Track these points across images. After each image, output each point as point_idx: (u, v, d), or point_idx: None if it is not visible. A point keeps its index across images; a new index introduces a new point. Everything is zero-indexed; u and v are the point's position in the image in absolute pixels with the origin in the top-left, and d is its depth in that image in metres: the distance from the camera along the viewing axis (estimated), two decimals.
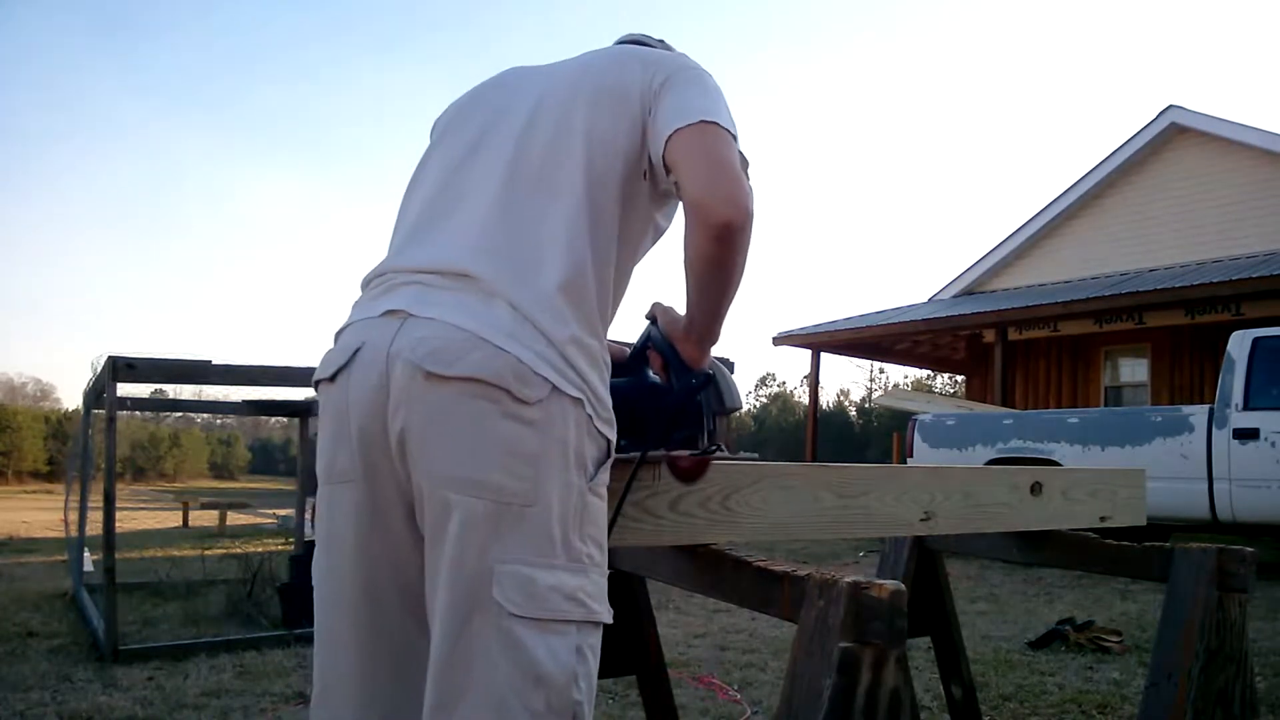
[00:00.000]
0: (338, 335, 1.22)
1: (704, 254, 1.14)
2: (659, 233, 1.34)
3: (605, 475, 1.16)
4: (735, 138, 1.21)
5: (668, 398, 1.27)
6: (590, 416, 1.12)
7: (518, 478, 1.07)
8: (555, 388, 1.09)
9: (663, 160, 1.19)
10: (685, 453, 1.29)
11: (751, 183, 1.23)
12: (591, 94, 1.24)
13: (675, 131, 1.17)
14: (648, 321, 1.36)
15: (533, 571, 1.07)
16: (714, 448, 1.30)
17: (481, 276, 1.12)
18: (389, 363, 1.10)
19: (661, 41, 1.41)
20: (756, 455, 1.41)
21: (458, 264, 1.14)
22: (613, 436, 1.17)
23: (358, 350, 1.14)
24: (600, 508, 1.15)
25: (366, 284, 1.25)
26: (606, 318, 1.21)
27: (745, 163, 1.24)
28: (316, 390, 1.22)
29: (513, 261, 1.14)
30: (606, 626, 1.15)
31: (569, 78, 1.28)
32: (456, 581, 1.07)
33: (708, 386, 1.29)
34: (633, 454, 1.22)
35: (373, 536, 1.16)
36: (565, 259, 1.14)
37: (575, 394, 1.10)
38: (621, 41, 1.42)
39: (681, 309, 1.28)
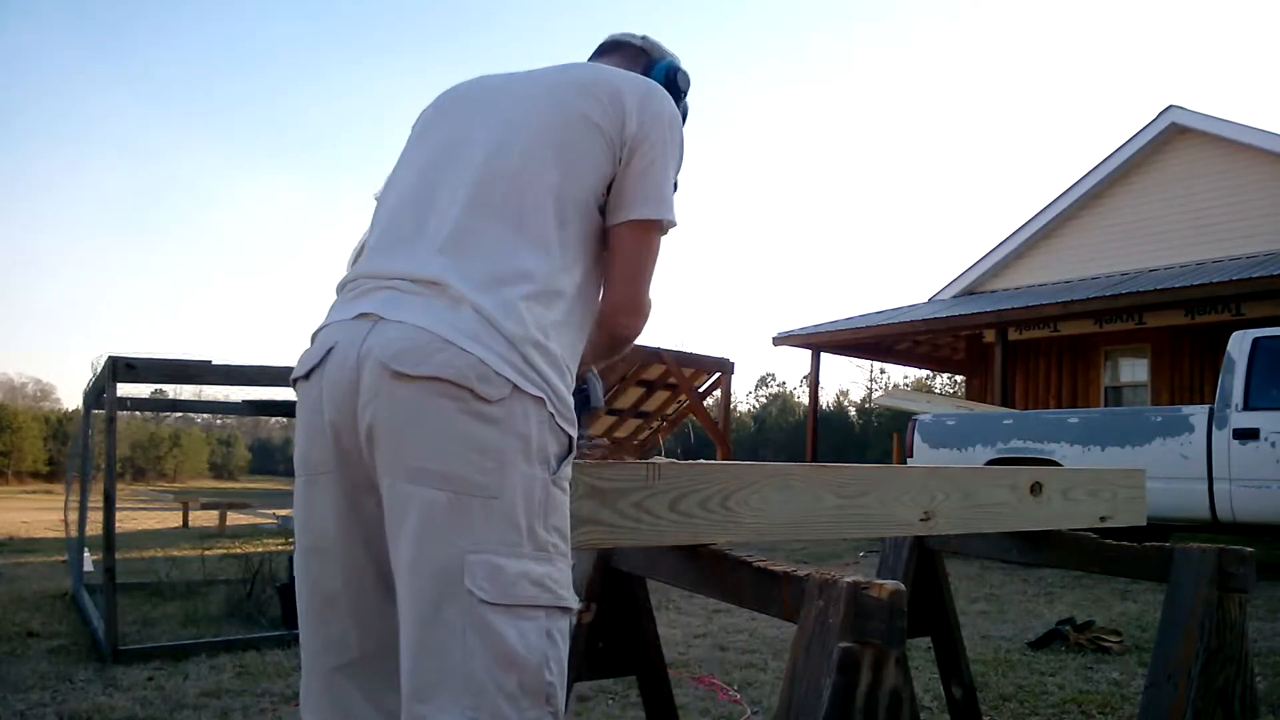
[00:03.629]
0: (314, 336, 1.27)
1: (603, 345, 1.37)
2: None
3: (568, 469, 1.22)
4: (672, 225, 1.33)
5: None
6: (552, 415, 1.18)
7: (482, 471, 1.12)
8: (516, 387, 1.14)
9: (609, 226, 1.31)
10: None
11: (677, 223, 1.35)
12: (564, 119, 1.30)
13: (628, 221, 1.30)
14: None
15: (501, 560, 1.12)
16: (582, 440, 1.40)
17: (450, 284, 1.18)
18: (360, 362, 1.16)
19: (644, 38, 1.47)
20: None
21: (428, 272, 1.20)
22: (574, 433, 1.23)
23: (330, 350, 1.20)
24: (564, 500, 1.21)
25: (341, 288, 1.30)
26: (577, 323, 1.28)
27: (671, 222, 1.34)
28: (294, 388, 1.28)
29: (481, 273, 1.20)
30: (607, 627, 1.17)
31: (543, 94, 1.33)
32: (424, 572, 1.11)
33: (581, 391, 1.42)
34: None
35: (350, 522, 1.21)
36: (532, 271, 1.21)
37: (536, 393, 1.16)
38: (604, 43, 1.48)
39: None
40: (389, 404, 1.13)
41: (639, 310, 1.34)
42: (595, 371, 1.46)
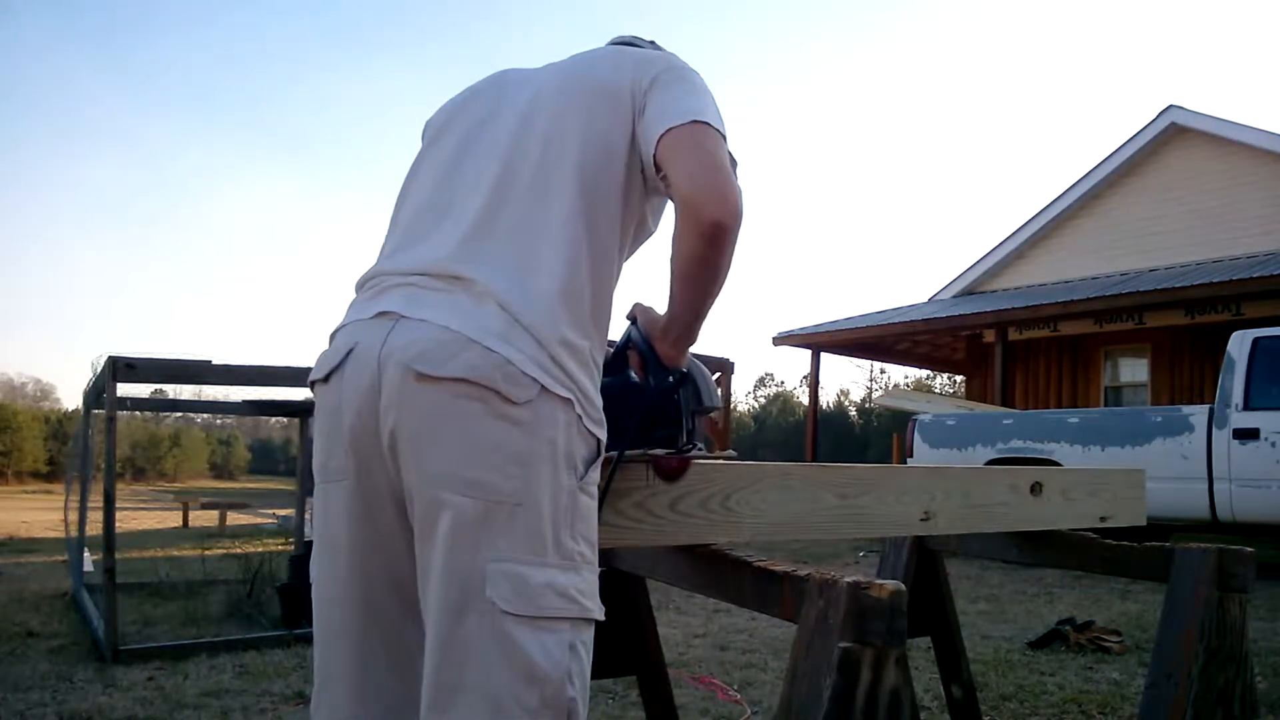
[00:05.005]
0: (332, 336, 1.23)
1: (692, 252, 1.15)
2: (648, 233, 1.35)
3: (596, 474, 1.17)
4: (724, 137, 1.22)
5: (645, 397, 1.28)
6: (580, 416, 1.13)
7: (507, 477, 1.08)
8: (544, 388, 1.10)
9: (654, 159, 1.20)
10: (663, 452, 1.30)
11: (741, 184, 1.24)
12: (585, 96, 1.25)
13: (666, 131, 1.19)
14: (628, 322, 1.36)
15: (525, 570, 1.08)
16: (691, 446, 1.31)
17: (474, 279, 1.13)
18: (380, 364, 1.12)
19: (652, 43, 1.42)
20: (735, 454, 1.41)
21: (450, 267, 1.16)
22: (603, 436, 1.18)
23: (350, 351, 1.16)
24: (591, 506, 1.17)
25: (361, 286, 1.26)
26: (602, 318, 1.21)
27: (734, 163, 1.26)
28: (312, 390, 1.24)
29: (505, 264, 1.15)
30: (607, 627, 1.16)
31: (561, 80, 1.29)
32: (449, 581, 1.08)
33: (685, 385, 1.30)
34: (610, 454, 1.23)
35: (366, 534, 1.18)
36: (559, 261, 1.16)
37: (564, 394, 1.11)
38: (613, 43, 1.43)
39: (662, 309, 1.30)
40: (411, 408, 1.09)
41: (722, 196, 1.14)
42: (699, 363, 1.33)
